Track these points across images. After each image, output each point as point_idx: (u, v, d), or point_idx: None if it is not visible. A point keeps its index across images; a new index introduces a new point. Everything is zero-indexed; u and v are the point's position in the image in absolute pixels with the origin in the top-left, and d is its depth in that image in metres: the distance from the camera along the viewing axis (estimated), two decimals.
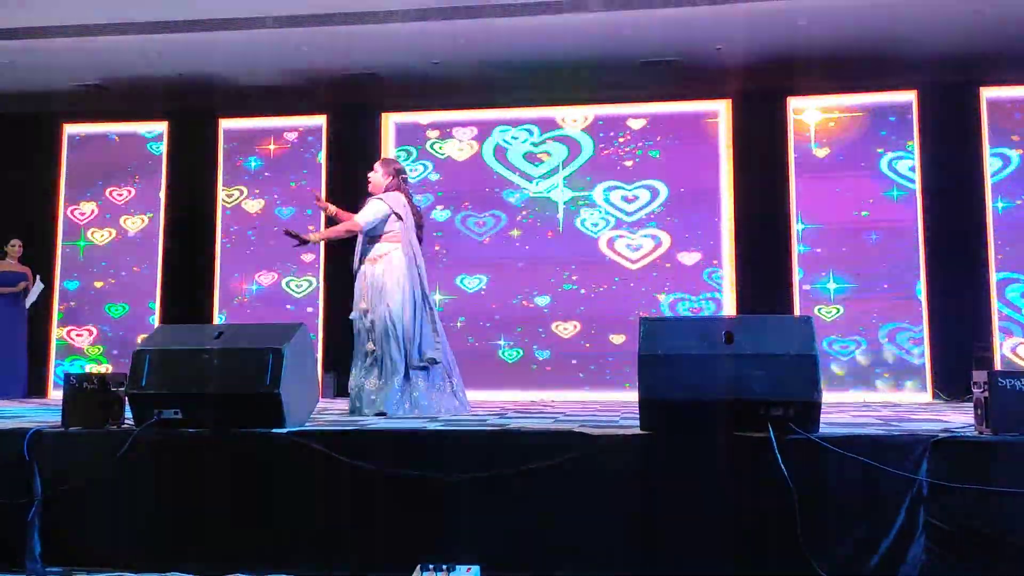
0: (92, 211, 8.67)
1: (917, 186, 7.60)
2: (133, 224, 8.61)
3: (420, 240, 5.12)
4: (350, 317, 4.98)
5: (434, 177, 8.31)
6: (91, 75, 8.09)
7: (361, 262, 4.97)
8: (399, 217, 4.96)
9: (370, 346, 4.84)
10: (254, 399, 3.23)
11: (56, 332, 8.54)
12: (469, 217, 8.23)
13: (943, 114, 7.59)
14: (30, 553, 3.08)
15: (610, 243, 8.03)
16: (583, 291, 8.01)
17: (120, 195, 8.66)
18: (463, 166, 8.30)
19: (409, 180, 5.34)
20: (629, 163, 8.07)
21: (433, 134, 8.36)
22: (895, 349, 7.48)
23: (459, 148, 8.33)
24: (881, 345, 7.49)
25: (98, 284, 8.59)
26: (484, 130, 8.31)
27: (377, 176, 5.09)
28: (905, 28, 6.95)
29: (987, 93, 7.63)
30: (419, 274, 4.97)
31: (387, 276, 4.86)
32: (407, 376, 4.82)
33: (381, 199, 5.00)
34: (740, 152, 7.87)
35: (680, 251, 7.92)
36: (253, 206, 8.49)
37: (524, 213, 8.16)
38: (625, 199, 8.04)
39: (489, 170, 8.26)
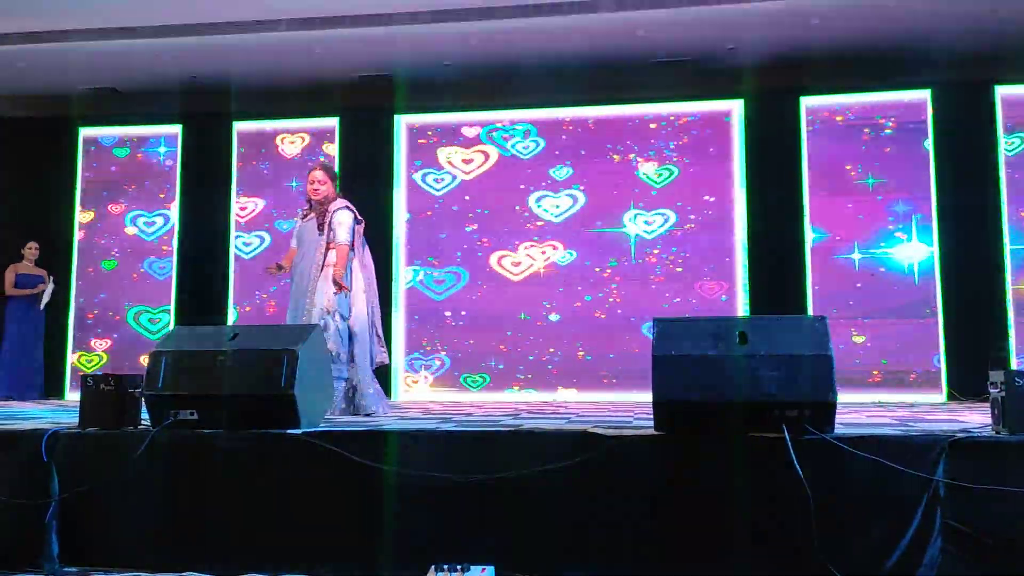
0: (102, 215, 8.71)
1: (931, 184, 7.55)
2: (144, 228, 8.64)
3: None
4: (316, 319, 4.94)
5: (445, 184, 8.29)
6: (106, 79, 8.14)
7: (321, 269, 4.96)
8: (359, 221, 5.08)
9: None
10: (269, 400, 3.24)
11: (72, 334, 8.59)
12: (479, 224, 8.18)
13: (958, 113, 7.54)
14: (47, 553, 3.11)
15: (620, 251, 7.98)
16: (598, 303, 7.92)
17: (132, 200, 8.69)
18: (474, 169, 8.27)
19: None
20: (642, 166, 8.03)
21: (445, 138, 8.34)
22: (923, 361, 7.43)
23: (470, 153, 8.29)
24: (902, 360, 7.43)
25: (110, 293, 8.62)
26: (495, 132, 8.29)
27: (326, 187, 5.09)
28: (919, 27, 6.91)
29: (1002, 91, 7.57)
30: (373, 282, 5.11)
31: (351, 289, 4.96)
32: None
33: (347, 209, 5.05)
34: (752, 151, 7.84)
35: (694, 264, 7.86)
36: (265, 211, 8.53)
37: (534, 221, 8.12)
38: (641, 217, 7.98)
39: (500, 175, 8.21)
